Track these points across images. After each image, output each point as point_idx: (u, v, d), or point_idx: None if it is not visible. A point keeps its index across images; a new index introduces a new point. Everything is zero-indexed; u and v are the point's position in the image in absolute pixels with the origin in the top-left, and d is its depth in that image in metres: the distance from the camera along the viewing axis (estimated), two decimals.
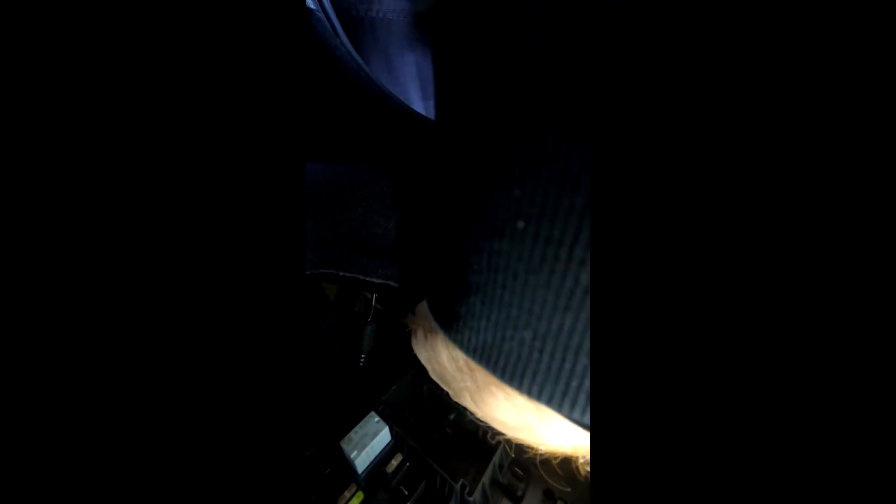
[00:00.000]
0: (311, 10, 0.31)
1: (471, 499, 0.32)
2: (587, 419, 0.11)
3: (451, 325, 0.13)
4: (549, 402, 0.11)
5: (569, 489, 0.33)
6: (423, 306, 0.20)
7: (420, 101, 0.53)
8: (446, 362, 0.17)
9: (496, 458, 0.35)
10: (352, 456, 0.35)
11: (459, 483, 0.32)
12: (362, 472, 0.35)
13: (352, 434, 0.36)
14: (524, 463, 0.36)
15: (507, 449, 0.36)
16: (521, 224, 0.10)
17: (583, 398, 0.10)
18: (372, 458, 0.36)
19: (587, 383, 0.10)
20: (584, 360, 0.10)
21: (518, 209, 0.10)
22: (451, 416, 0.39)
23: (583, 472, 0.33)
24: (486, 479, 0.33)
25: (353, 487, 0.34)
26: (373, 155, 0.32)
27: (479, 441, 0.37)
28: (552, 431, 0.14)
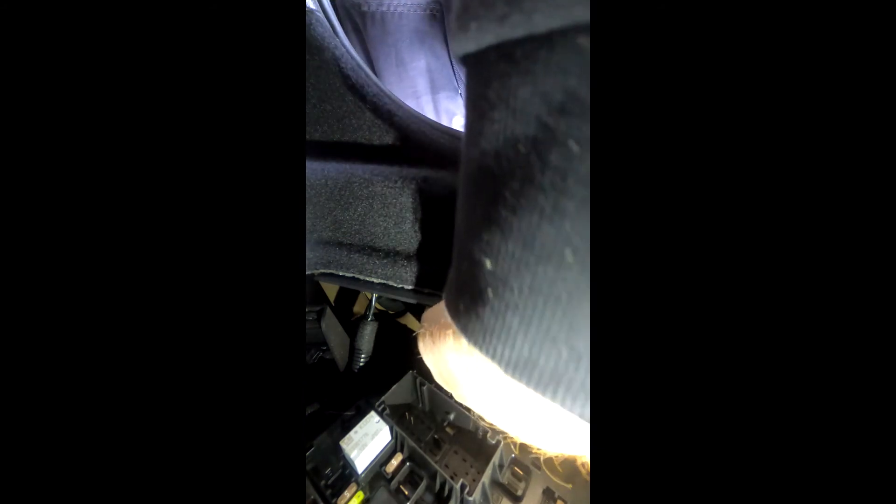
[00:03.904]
0: (310, 10, 0.31)
1: (471, 498, 0.32)
2: None
3: (481, 338, 0.13)
4: (582, 413, 0.11)
5: (570, 486, 0.33)
6: (435, 312, 0.20)
7: (428, 94, 0.53)
8: (454, 366, 0.17)
9: (496, 458, 0.35)
10: (352, 456, 0.35)
11: (459, 483, 0.32)
12: (362, 472, 0.35)
13: (352, 434, 0.36)
14: (524, 462, 0.36)
15: (511, 447, 0.36)
16: (569, 256, 0.10)
17: None
18: (372, 457, 0.36)
19: None
20: None
21: (567, 241, 0.10)
22: (451, 416, 0.40)
23: (584, 471, 0.33)
24: (485, 478, 0.33)
25: (353, 487, 0.34)
26: (372, 155, 0.32)
27: (479, 441, 0.37)
28: (563, 435, 0.15)
